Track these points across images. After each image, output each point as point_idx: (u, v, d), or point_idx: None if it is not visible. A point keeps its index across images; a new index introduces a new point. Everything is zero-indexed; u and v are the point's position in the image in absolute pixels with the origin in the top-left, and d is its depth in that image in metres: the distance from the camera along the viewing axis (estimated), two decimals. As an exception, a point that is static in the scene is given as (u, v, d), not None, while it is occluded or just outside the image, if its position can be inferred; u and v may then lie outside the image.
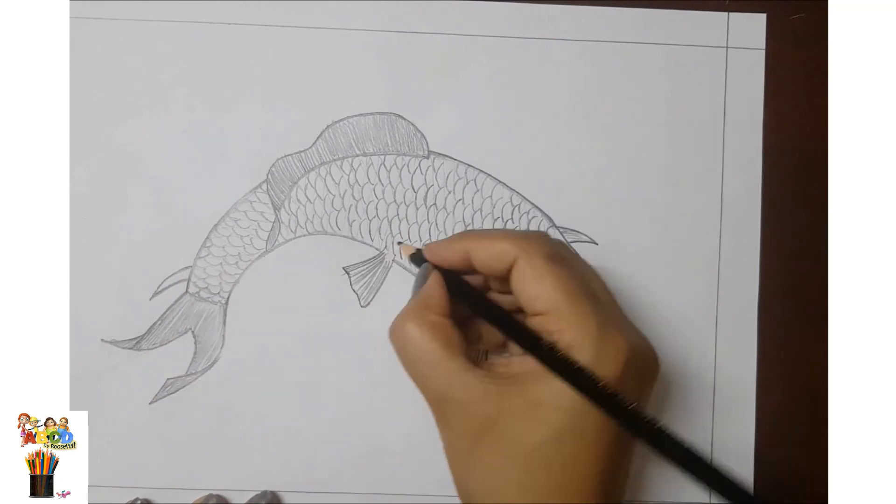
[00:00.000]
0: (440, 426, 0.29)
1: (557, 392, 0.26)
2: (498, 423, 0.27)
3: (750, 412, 0.36)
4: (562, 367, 0.26)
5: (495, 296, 0.31)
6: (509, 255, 0.28)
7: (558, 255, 0.29)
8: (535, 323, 0.28)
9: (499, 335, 0.31)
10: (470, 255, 0.29)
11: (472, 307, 0.30)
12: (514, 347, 0.31)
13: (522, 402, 0.27)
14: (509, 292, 0.29)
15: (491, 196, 0.36)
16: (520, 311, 0.29)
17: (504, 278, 0.29)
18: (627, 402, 0.26)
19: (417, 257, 0.34)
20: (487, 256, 0.29)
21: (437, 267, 0.31)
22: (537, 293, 0.27)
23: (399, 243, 0.36)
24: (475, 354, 0.30)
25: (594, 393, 0.26)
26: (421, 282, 0.31)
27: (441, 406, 0.29)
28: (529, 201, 0.36)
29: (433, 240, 0.36)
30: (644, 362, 0.28)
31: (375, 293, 0.36)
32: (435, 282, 0.30)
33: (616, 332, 0.27)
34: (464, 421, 0.28)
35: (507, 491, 0.27)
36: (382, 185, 0.36)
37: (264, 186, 0.36)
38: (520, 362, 0.28)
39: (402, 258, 0.36)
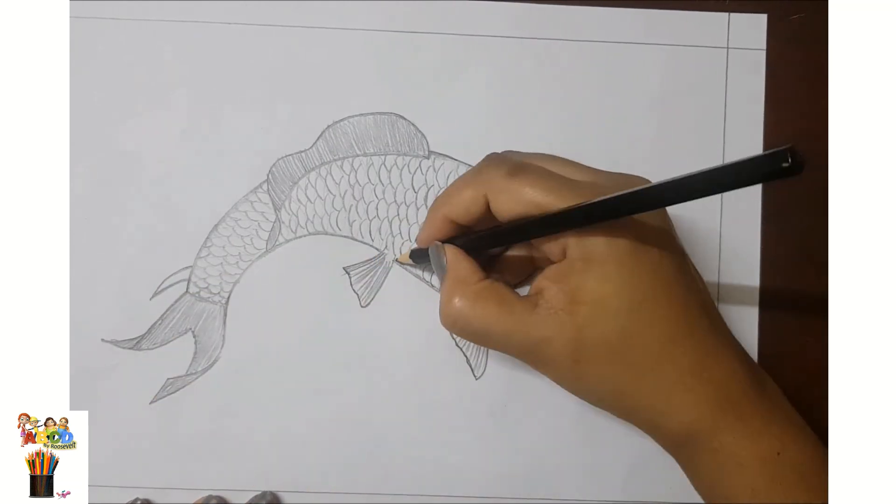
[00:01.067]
0: (538, 368, 0.29)
1: (601, 250, 0.27)
2: (580, 330, 0.27)
3: (750, 412, 0.36)
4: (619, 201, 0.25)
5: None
6: (479, 198, 0.28)
7: (520, 167, 0.28)
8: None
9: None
10: (450, 218, 0.30)
11: (496, 244, 0.30)
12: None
13: (588, 288, 0.27)
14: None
15: (491, 196, 0.36)
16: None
17: (490, 217, 0.29)
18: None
19: (417, 254, 0.34)
20: (464, 211, 0.29)
21: (442, 243, 0.31)
22: (524, 209, 0.27)
23: (395, 260, 0.36)
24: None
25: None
26: (437, 263, 0.31)
27: (530, 355, 0.29)
28: (529, 201, 0.36)
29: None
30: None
31: (376, 293, 0.36)
32: (453, 254, 0.30)
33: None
34: (555, 353, 0.28)
35: (621, 379, 0.28)
36: (383, 185, 0.36)
37: (265, 186, 0.36)
38: (549, 272, 0.28)
39: (406, 263, 0.36)
